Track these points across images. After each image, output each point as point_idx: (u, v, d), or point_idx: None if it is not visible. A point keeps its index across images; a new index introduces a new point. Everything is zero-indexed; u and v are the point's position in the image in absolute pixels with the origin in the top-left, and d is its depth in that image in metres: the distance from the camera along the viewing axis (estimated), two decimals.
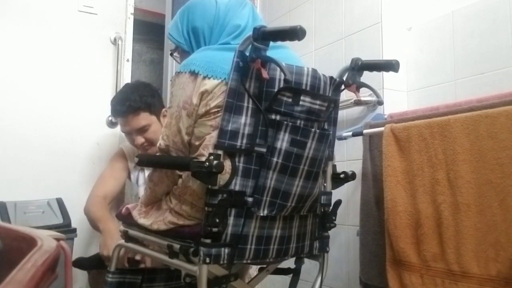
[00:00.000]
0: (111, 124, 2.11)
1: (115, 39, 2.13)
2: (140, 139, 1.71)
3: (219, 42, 1.16)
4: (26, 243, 0.68)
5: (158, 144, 1.16)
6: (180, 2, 2.73)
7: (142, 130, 1.71)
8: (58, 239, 0.81)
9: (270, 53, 1.01)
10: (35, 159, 1.93)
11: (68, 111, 2.02)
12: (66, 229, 1.69)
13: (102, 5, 2.13)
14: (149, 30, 3.22)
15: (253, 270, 1.45)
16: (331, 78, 1.16)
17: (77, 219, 1.80)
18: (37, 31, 1.98)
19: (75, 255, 1.67)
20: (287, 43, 1.09)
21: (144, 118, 1.71)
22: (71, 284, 0.77)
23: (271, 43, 1.03)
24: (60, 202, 1.82)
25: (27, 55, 1.96)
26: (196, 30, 1.19)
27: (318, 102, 1.11)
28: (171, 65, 2.77)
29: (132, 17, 2.20)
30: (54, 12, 2.02)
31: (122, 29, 2.17)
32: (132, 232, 1.28)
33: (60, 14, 2.03)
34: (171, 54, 1.35)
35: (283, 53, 1.15)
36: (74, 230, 1.74)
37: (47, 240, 0.67)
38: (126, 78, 2.15)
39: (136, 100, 1.69)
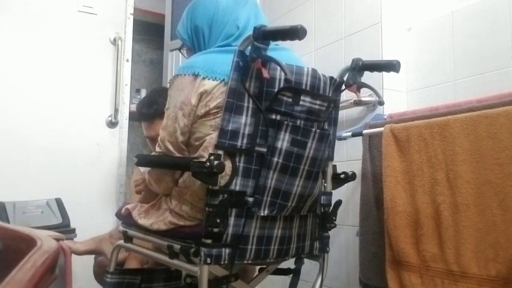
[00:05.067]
0: (111, 124, 2.11)
1: (114, 39, 2.12)
2: None
3: (217, 43, 1.15)
4: (26, 243, 0.68)
5: (157, 145, 1.15)
6: (180, 2, 2.73)
7: None
8: (57, 239, 0.81)
9: (270, 54, 1.01)
10: (34, 159, 1.92)
11: (67, 111, 2.02)
12: (65, 229, 1.69)
13: (102, 5, 2.13)
14: (149, 30, 3.21)
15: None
16: (331, 78, 1.16)
17: (76, 219, 1.80)
18: (36, 31, 1.98)
19: (74, 255, 1.66)
20: (288, 45, 1.08)
21: None
22: (71, 284, 0.77)
23: (272, 45, 1.02)
24: (59, 202, 1.82)
25: (26, 55, 1.96)
26: (197, 29, 1.19)
27: (318, 102, 1.11)
28: (171, 65, 2.77)
29: (132, 17, 2.19)
30: (53, 12, 2.02)
31: (122, 29, 2.17)
32: (132, 232, 1.28)
33: (59, 14, 2.03)
34: (179, 50, 1.34)
35: (284, 54, 1.15)
36: (73, 230, 1.74)
37: (46, 241, 0.67)
38: (126, 78, 2.15)
39: (163, 104, 1.64)
